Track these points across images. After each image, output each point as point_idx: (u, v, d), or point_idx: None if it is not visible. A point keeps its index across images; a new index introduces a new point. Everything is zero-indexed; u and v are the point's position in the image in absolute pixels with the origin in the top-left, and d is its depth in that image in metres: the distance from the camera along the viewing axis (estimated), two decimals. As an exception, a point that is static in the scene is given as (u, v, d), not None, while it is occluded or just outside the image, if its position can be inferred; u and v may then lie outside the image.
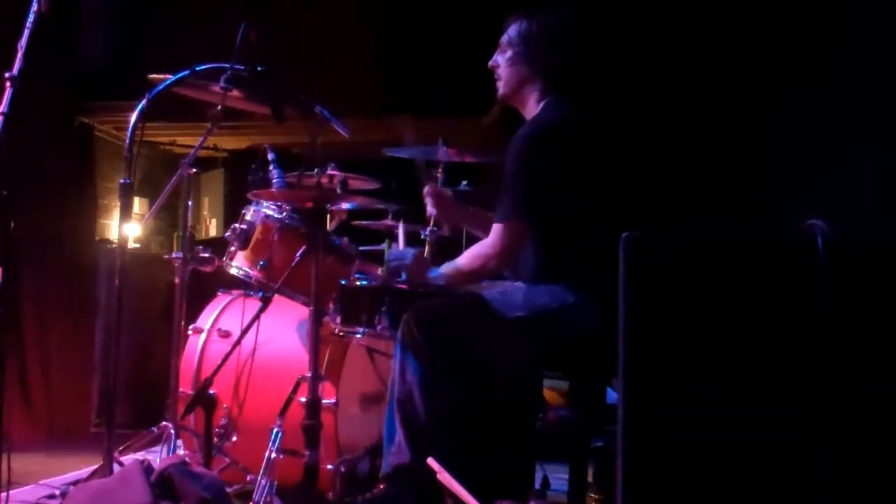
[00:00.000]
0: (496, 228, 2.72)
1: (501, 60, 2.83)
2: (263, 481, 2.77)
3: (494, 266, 2.75)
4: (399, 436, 2.59)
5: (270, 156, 3.34)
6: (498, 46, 2.86)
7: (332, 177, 3.33)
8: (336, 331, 3.13)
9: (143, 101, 2.86)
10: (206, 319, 3.61)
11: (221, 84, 2.97)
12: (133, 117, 2.87)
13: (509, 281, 2.86)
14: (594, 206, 2.69)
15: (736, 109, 4.31)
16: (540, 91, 2.80)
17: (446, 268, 2.84)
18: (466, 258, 2.81)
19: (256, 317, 2.94)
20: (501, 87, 2.86)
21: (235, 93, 3.05)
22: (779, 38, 4.13)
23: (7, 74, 2.39)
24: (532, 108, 2.82)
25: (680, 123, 4.48)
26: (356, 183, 3.49)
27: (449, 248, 3.72)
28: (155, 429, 3.15)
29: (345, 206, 3.23)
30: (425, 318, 2.64)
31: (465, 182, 3.71)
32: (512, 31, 2.81)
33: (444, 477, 2.27)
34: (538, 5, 2.85)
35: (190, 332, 3.55)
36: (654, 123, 4.44)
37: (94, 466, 2.86)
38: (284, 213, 3.17)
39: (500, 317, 2.62)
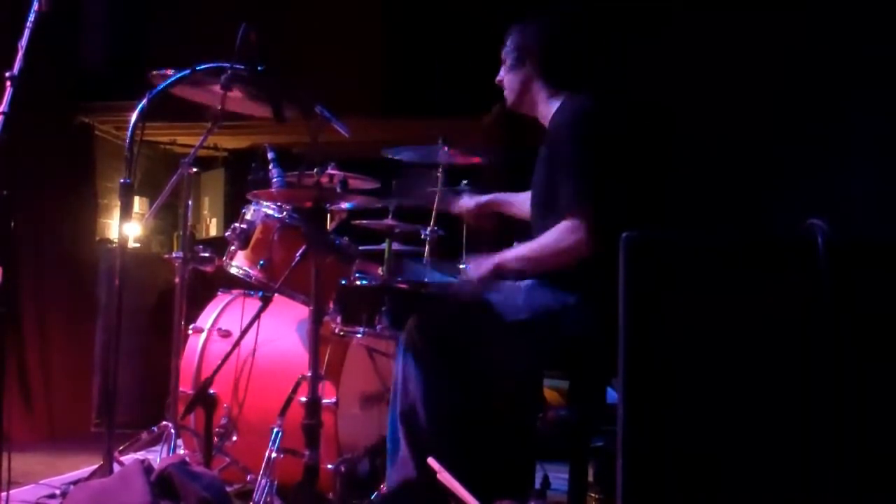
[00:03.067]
0: (573, 220, 2.58)
1: (503, 72, 2.88)
2: (263, 481, 2.77)
3: (575, 256, 2.58)
4: (403, 450, 2.59)
5: (270, 155, 3.34)
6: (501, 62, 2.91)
7: (332, 176, 3.33)
8: (336, 330, 3.14)
9: (144, 101, 2.86)
10: (206, 319, 3.61)
11: (222, 84, 2.98)
12: (133, 117, 2.87)
13: (510, 281, 2.85)
14: (602, 203, 2.67)
15: (736, 109, 4.31)
16: (546, 91, 2.81)
17: (515, 256, 2.72)
18: (544, 246, 2.66)
19: (256, 316, 2.94)
20: (508, 96, 2.90)
21: (236, 93, 3.05)
22: (780, 37, 4.13)
23: (7, 74, 2.39)
24: (544, 106, 2.82)
25: (679, 123, 4.48)
26: (356, 182, 3.49)
27: (449, 248, 3.73)
28: (155, 428, 3.15)
29: (345, 205, 3.23)
30: (429, 325, 2.63)
31: (465, 182, 3.71)
32: (508, 43, 2.88)
33: (445, 477, 2.27)
34: (534, 12, 2.87)
35: (190, 332, 3.55)
36: (655, 123, 4.44)
37: (95, 466, 2.86)
38: (284, 213, 3.17)
39: (502, 320, 2.61)
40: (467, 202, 3.27)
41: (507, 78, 2.88)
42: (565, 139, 2.67)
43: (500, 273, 2.72)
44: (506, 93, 2.90)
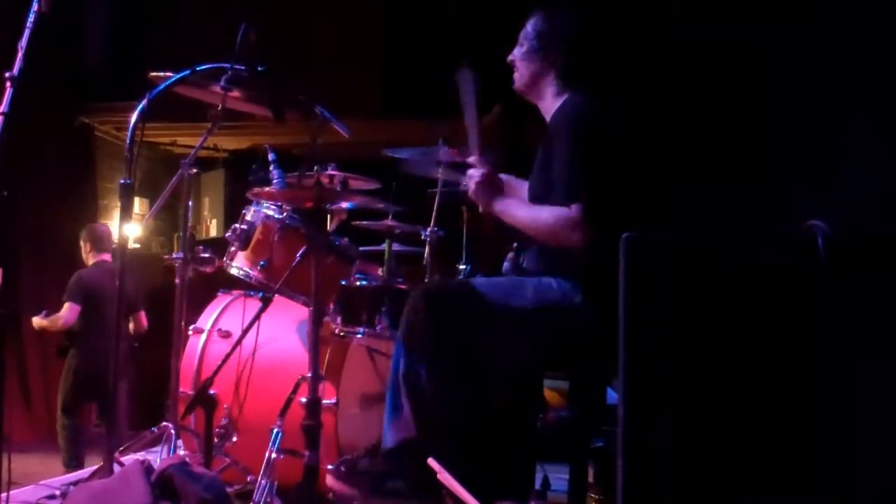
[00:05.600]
0: (577, 208, 2.56)
1: (518, 54, 2.84)
2: (264, 481, 2.77)
3: (569, 242, 2.58)
4: (406, 411, 2.56)
5: (271, 156, 3.34)
6: (517, 41, 2.87)
7: (332, 177, 3.33)
8: (336, 331, 3.14)
9: (144, 102, 2.86)
10: (206, 320, 3.61)
11: (222, 84, 2.97)
12: (133, 117, 2.87)
13: (515, 275, 2.85)
14: (615, 203, 2.66)
15: (736, 109, 4.32)
16: (556, 86, 2.80)
17: (513, 213, 2.73)
18: (546, 219, 2.64)
19: (257, 317, 2.94)
20: (517, 80, 2.85)
21: (236, 93, 3.05)
22: (781, 37, 4.13)
23: (7, 74, 2.39)
24: (550, 101, 2.81)
25: (680, 123, 4.48)
26: (356, 183, 3.49)
27: (449, 248, 3.73)
28: (155, 429, 3.15)
29: (345, 206, 3.23)
30: (433, 296, 2.61)
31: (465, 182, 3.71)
32: (529, 26, 2.83)
33: (445, 477, 2.27)
34: (555, 2, 2.86)
35: (190, 333, 3.55)
36: (656, 123, 4.44)
37: (95, 466, 2.86)
38: (285, 214, 3.17)
39: (507, 306, 2.59)
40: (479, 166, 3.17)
41: (520, 63, 2.83)
42: (563, 136, 2.67)
43: (492, 212, 2.75)
44: (516, 75, 2.85)
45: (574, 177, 2.60)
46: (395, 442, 2.58)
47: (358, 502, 2.59)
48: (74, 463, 5.25)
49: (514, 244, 3.10)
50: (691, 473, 1.76)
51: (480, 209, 2.81)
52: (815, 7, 3.98)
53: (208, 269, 3.30)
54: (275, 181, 3.29)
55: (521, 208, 2.75)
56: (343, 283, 3.12)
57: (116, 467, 2.75)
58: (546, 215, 2.64)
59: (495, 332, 2.61)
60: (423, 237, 3.61)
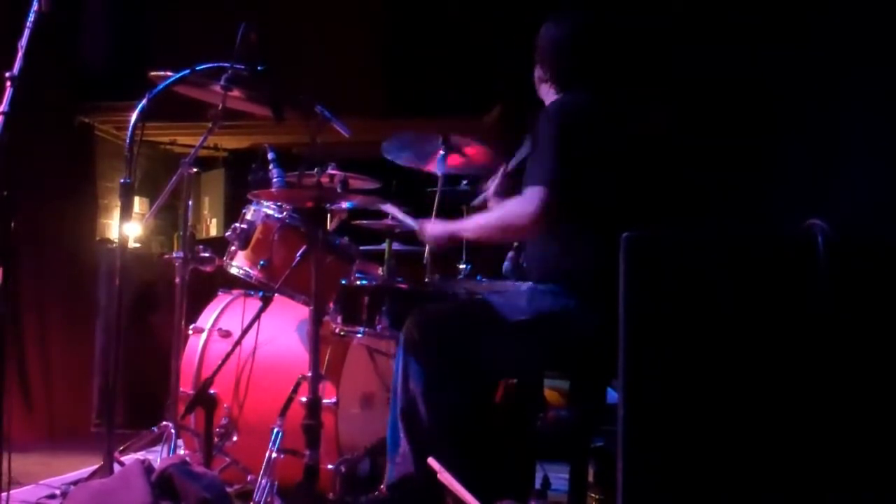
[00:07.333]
0: (532, 190, 2.60)
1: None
2: (264, 481, 2.77)
3: (525, 226, 2.62)
4: (404, 446, 2.59)
5: (271, 155, 3.34)
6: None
7: (332, 176, 3.34)
8: (336, 330, 3.14)
9: (144, 101, 2.86)
10: (206, 319, 3.61)
11: (222, 84, 2.98)
12: (133, 117, 2.87)
13: (511, 282, 2.86)
14: (602, 204, 2.68)
15: (736, 109, 4.31)
16: (554, 89, 2.85)
17: (470, 225, 2.83)
18: (496, 214, 2.76)
19: (257, 316, 2.94)
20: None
21: (236, 92, 3.05)
22: (781, 38, 4.13)
23: (7, 74, 2.39)
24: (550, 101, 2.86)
25: (679, 123, 4.48)
26: (356, 182, 3.49)
27: (449, 248, 3.72)
28: (155, 429, 3.15)
29: (345, 205, 3.23)
30: (428, 322, 2.64)
31: (465, 182, 3.71)
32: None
33: (445, 477, 2.27)
34: (560, 10, 2.89)
35: (190, 332, 3.55)
36: (655, 123, 4.44)
37: (95, 466, 2.86)
38: (285, 213, 3.17)
39: (503, 320, 2.61)
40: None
41: (535, 69, 2.92)
42: (543, 127, 2.69)
43: (454, 240, 2.83)
44: None
45: (543, 160, 2.62)
46: (395, 478, 2.62)
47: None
48: None
49: (515, 244, 3.11)
50: (691, 473, 1.76)
51: (437, 241, 2.90)
52: (814, 7, 3.98)
53: (208, 269, 3.30)
54: (275, 180, 3.29)
55: (477, 218, 2.83)
56: (343, 282, 3.12)
57: (116, 467, 2.75)
58: (504, 208, 2.71)
59: (495, 348, 2.63)
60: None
